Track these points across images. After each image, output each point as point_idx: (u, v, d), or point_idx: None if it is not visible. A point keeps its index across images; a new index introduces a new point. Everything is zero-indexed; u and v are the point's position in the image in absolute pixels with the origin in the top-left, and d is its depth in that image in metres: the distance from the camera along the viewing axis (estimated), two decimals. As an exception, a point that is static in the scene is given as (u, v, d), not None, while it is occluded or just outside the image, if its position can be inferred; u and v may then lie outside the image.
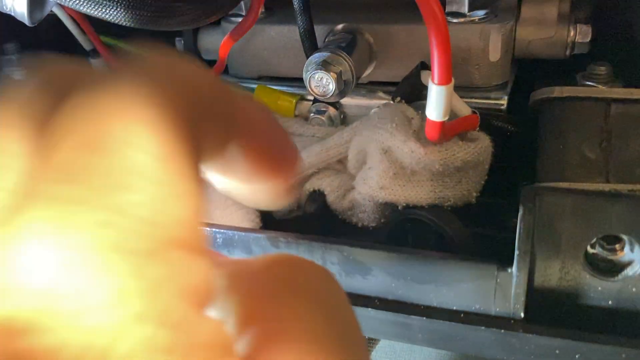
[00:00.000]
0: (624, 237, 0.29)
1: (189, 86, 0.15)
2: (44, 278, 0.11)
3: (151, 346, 0.12)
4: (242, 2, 0.46)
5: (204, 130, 0.17)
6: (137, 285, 0.12)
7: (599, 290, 0.29)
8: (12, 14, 0.36)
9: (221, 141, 0.19)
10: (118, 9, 0.33)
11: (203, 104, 0.16)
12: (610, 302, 0.29)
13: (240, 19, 0.47)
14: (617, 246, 0.29)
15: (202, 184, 0.15)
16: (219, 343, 0.13)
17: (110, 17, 0.34)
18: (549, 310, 0.30)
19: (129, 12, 0.33)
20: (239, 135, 0.20)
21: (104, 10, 0.33)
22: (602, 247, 0.30)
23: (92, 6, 0.33)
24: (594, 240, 0.29)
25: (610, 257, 0.29)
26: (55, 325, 0.11)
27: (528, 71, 0.46)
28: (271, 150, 0.23)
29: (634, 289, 0.29)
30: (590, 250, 0.29)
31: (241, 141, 0.20)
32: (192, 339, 0.12)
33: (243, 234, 0.35)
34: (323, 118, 0.45)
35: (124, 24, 0.34)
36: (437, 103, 0.33)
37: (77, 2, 0.33)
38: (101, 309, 0.11)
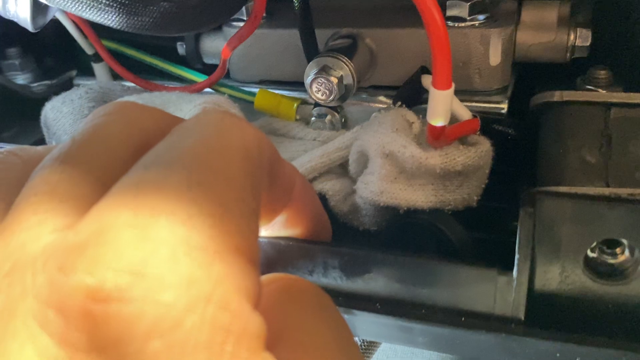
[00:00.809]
0: (624, 241, 0.29)
1: (256, 151, 0.18)
2: (130, 260, 0.14)
3: (213, 324, 0.14)
4: (243, 7, 0.46)
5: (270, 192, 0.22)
6: (204, 274, 0.14)
7: (599, 294, 0.29)
8: (15, 19, 0.36)
9: (277, 209, 0.23)
10: (120, 16, 0.33)
11: (268, 166, 0.20)
12: (610, 306, 0.29)
13: (241, 24, 0.47)
14: (618, 250, 0.29)
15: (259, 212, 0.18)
16: (263, 336, 0.15)
17: (113, 24, 0.34)
18: (550, 314, 0.30)
19: (131, 18, 0.33)
20: (290, 210, 0.24)
21: (106, 16, 0.33)
22: (602, 251, 0.30)
23: (94, 12, 0.34)
24: (594, 244, 0.29)
25: (611, 261, 0.30)
26: (136, 298, 0.14)
27: (528, 75, 0.46)
28: (313, 226, 0.27)
29: (634, 293, 0.29)
30: (590, 254, 0.29)
31: (290, 213, 0.24)
32: (246, 326, 0.14)
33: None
34: (324, 122, 0.45)
35: (127, 30, 0.35)
36: (437, 108, 0.33)
37: (80, 8, 0.34)
38: (174, 289, 0.14)
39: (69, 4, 0.33)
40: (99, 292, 0.14)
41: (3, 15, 0.36)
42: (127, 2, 0.32)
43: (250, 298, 0.15)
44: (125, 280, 0.14)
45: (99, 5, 0.33)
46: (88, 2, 0.33)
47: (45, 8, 0.36)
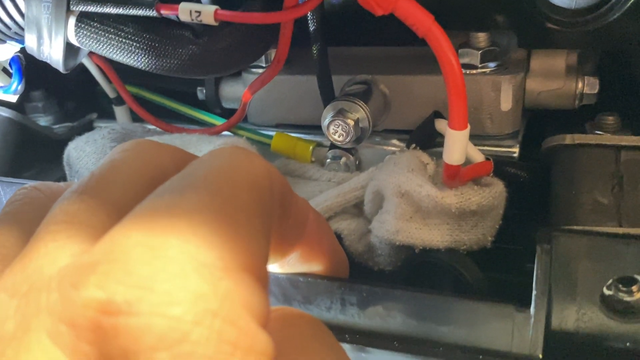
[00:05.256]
0: (639, 278, 0.29)
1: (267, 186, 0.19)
2: (140, 276, 0.14)
3: (220, 337, 0.14)
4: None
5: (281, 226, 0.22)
6: (211, 290, 0.15)
7: (616, 332, 0.30)
8: (48, 61, 0.38)
9: (291, 243, 0.24)
10: (150, 58, 0.35)
11: (279, 201, 0.20)
12: (628, 344, 0.29)
13: (260, 70, 0.49)
14: (634, 288, 0.30)
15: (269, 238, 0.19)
16: (270, 355, 0.15)
17: (142, 65, 0.36)
18: (567, 351, 0.30)
19: (160, 60, 0.35)
20: (304, 245, 0.24)
21: (136, 58, 0.35)
22: (618, 289, 0.30)
23: (125, 55, 0.35)
24: (610, 281, 0.29)
25: (627, 298, 0.30)
26: (144, 311, 0.14)
27: (539, 121, 0.47)
28: (329, 261, 0.28)
29: (650, 331, 0.29)
30: (606, 291, 0.30)
31: (305, 248, 0.25)
32: (252, 343, 0.15)
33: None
34: (339, 163, 0.46)
35: (154, 71, 0.36)
36: (453, 148, 0.34)
37: (111, 50, 0.35)
38: (182, 304, 0.14)
39: (102, 46, 0.35)
40: (109, 306, 0.14)
41: (37, 56, 0.38)
42: (157, 45, 0.34)
43: (258, 316, 0.15)
44: (135, 294, 0.14)
45: (130, 48, 0.35)
46: (119, 44, 0.35)
47: (76, 51, 0.38)
